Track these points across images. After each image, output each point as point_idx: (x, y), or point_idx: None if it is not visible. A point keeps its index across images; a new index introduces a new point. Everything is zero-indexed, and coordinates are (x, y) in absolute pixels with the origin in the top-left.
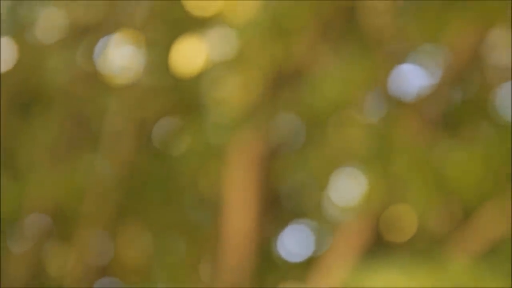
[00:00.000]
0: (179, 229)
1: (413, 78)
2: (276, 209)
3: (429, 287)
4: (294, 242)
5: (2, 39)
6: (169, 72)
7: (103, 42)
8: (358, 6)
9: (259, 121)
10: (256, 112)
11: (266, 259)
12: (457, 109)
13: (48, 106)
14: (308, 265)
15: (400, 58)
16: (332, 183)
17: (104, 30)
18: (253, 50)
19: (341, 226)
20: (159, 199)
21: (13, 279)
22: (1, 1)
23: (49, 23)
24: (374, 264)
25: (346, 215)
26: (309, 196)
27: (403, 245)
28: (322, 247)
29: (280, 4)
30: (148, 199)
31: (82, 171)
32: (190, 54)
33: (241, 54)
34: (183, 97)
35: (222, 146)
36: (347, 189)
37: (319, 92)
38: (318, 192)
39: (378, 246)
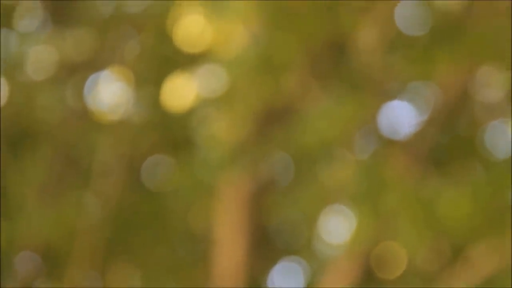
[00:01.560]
0: (169, 267)
1: (402, 115)
2: (266, 246)
3: None
4: (284, 280)
5: None
6: (158, 108)
7: (93, 79)
8: (348, 43)
9: (248, 158)
10: (245, 149)
11: None
12: (446, 146)
13: (38, 143)
14: None
15: (390, 95)
16: (322, 220)
17: (94, 67)
18: (243, 87)
19: (332, 263)
20: (148, 236)
21: None
22: None
23: (39, 60)
24: None
25: (337, 252)
26: (299, 234)
27: (394, 282)
28: (313, 285)
29: (269, 40)
30: (138, 236)
31: (71, 209)
32: (179, 91)
33: (230, 91)
34: (173, 134)
35: (212, 183)
36: (337, 226)
37: (309, 129)
38: (308, 229)
39: (369, 283)
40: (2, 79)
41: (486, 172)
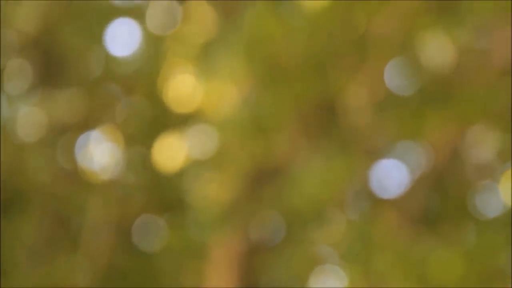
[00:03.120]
0: None
1: (393, 174)
2: None
3: None
4: None
5: None
6: (149, 169)
7: (84, 139)
8: (338, 103)
9: (239, 218)
10: (236, 209)
11: None
12: (437, 206)
13: (29, 204)
14: None
15: (380, 154)
16: (313, 280)
17: (84, 127)
18: (233, 147)
19: None
20: None
21: None
22: None
23: (30, 122)
24: None
25: None
26: None
27: None
28: None
29: (259, 101)
30: None
31: (62, 269)
32: (170, 151)
33: (221, 151)
34: (164, 194)
35: (203, 243)
36: (329, 286)
37: (299, 189)
38: None
39: None
40: None
41: (477, 232)
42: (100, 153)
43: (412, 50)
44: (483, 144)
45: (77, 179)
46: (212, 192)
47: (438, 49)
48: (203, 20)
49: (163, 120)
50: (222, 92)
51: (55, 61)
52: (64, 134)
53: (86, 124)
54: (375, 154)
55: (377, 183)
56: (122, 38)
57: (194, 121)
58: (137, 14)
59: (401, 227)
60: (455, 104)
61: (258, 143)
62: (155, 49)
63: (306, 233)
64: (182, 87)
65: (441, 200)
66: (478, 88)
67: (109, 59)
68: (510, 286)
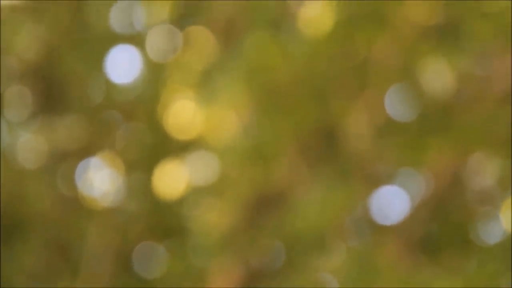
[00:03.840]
0: None
1: (393, 201)
2: None
3: None
4: None
5: None
6: (149, 195)
7: (84, 165)
8: (338, 130)
9: (240, 245)
10: (236, 235)
11: None
12: (438, 233)
13: (29, 231)
14: None
15: (380, 181)
16: None
17: (85, 154)
18: (234, 174)
19: None
20: None
21: None
22: None
23: (30, 149)
24: None
25: None
26: None
27: None
28: None
29: (260, 127)
30: None
31: None
32: (170, 178)
33: (221, 178)
34: (164, 221)
35: (203, 270)
36: None
37: (299, 216)
38: None
39: None
40: None
41: (478, 259)
42: (100, 179)
43: (412, 77)
44: (483, 171)
45: (77, 205)
46: (212, 219)
47: (438, 75)
48: (204, 46)
49: (164, 146)
50: (222, 119)
51: (56, 87)
52: (64, 160)
53: (86, 151)
54: (375, 181)
55: (378, 210)
56: (123, 65)
57: (195, 147)
58: (138, 41)
59: (402, 254)
60: (456, 131)
61: (258, 169)
62: (155, 75)
63: (307, 260)
64: (183, 113)
65: (442, 227)
66: (478, 115)
67: (110, 86)
68: None
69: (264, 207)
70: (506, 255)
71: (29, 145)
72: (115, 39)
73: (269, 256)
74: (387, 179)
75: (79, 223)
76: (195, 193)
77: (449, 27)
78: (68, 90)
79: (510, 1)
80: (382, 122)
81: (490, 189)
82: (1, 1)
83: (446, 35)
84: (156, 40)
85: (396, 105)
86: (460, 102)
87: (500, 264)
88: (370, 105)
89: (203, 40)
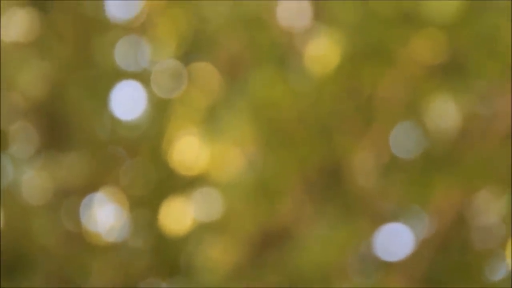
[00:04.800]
0: None
1: (398, 239)
2: None
3: None
4: None
5: None
6: (154, 232)
7: (88, 201)
8: (343, 167)
9: (244, 282)
10: (241, 272)
11: None
12: (442, 270)
13: (32, 267)
14: None
15: (385, 218)
16: None
17: (89, 190)
18: (238, 211)
19: None
20: None
21: None
22: None
23: (35, 186)
24: None
25: None
26: None
27: None
28: None
29: (264, 164)
30: None
31: None
32: (175, 214)
33: (226, 215)
34: (168, 258)
35: None
36: None
37: (304, 253)
38: None
39: None
40: None
41: None
42: (104, 215)
43: (417, 114)
44: (488, 209)
45: (81, 241)
46: (216, 255)
47: (443, 113)
48: (209, 83)
49: (168, 182)
50: (227, 155)
51: (60, 124)
52: (69, 196)
53: (90, 187)
54: (380, 218)
55: (382, 247)
56: (127, 101)
57: (199, 183)
58: (143, 77)
59: None
60: (461, 168)
61: (263, 206)
62: (160, 111)
63: None
64: (187, 149)
65: (446, 265)
66: (483, 152)
67: (114, 122)
68: None
69: (268, 243)
70: None
71: (34, 181)
72: (120, 75)
73: None
74: (392, 217)
75: (83, 259)
76: (200, 230)
77: (454, 65)
78: (73, 126)
79: None
80: (387, 160)
81: (495, 227)
82: (5, 38)
83: (451, 73)
84: (161, 76)
85: (401, 142)
86: (465, 140)
87: None
88: (375, 143)
89: (208, 76)
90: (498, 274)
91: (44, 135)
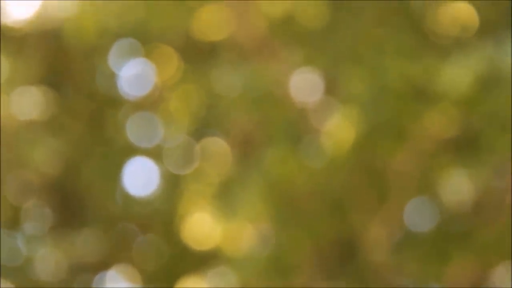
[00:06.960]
0: None
1: None
2: None
3: None
4: None
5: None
6: None
7: (101, 278)
8: (357, 242)
9: None
10: None
11: None
12: None
13: None
14: None
15: None
16: None
17: (102, 267)
18: (252, 286)
19: None
20: None
21: None
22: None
23: (48, 262)
24: None
25: None
26: None
27: None
28: None
29: (278, 240)
30: None
31: None
32: None
33: None
34: None
35: None
36: None
37: None
38: None
39: None
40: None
41: None
42: None
43: (431, 189)
44: (505, 284)
45: None
46: None
47: (457, 188)
48: (221, 159)
49: (181, 258)
50: (240, 231)
51: (73, 201)
52: (82, 273)
53: (103, 264)
54: None
55: None
56: (140, 177)
57: (212, 259)
58: (155, 153)
59: None
60: (476, 243)
61: (276, 281)
62: (172, 187)
63: None
64: (200, 226)
65: None
66: (498, 227)
67: (127, 199)
68: None
69: None
70: None
71: (47, 258)
72: (132, 151)
73: None
74: None
75: None
76: None
77: (468, 140)
78: (86, 203)
79: None
80: (401, 234)
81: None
82: (20, 116)
83: (464, 148)
84: (173, 152)
85: (415, 217)
86: (479, 214)
87: None
88: (389, 217)
89: (220, 152)
90: None
91: (57, 212)
